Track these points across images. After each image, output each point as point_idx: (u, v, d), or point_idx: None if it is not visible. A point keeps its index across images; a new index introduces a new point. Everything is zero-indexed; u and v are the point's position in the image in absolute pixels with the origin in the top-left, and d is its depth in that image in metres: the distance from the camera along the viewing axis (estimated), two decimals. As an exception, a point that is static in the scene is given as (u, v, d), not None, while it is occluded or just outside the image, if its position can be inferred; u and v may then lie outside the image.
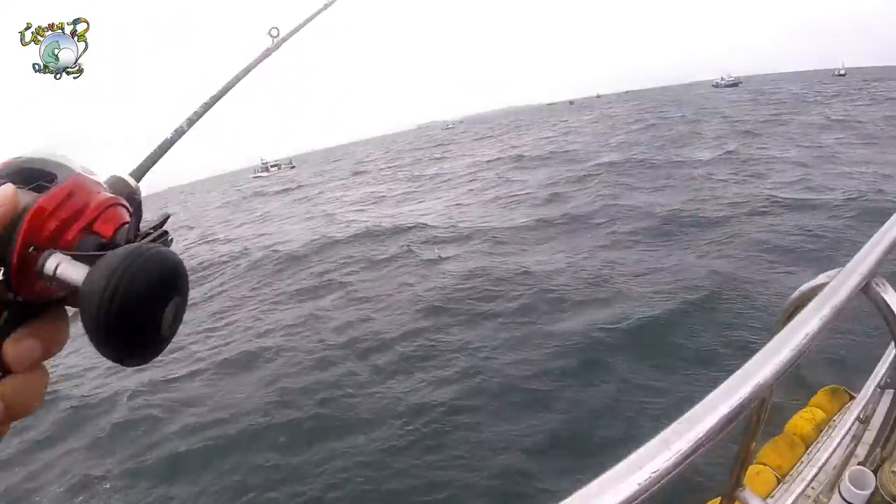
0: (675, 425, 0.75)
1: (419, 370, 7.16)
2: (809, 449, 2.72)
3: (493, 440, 5.55)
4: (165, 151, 1.05)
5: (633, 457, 0.71)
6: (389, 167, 43.70)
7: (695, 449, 0.73)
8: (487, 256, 11.06)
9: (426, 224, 15.54)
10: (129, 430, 7.35)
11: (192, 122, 1.17)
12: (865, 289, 1.11)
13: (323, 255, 14.41)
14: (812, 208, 11.14)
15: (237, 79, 1.39)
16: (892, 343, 1.21)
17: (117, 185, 0.85)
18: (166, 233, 0.74)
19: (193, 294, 13.59)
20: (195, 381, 8.55)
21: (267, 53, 1.50)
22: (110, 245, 0.64)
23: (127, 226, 0.68)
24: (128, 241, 0.65)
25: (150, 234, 0.72)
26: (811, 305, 0.99)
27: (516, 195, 17.94)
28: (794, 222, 10.29)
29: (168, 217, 0.78)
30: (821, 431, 2.82)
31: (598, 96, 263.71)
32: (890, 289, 1.14)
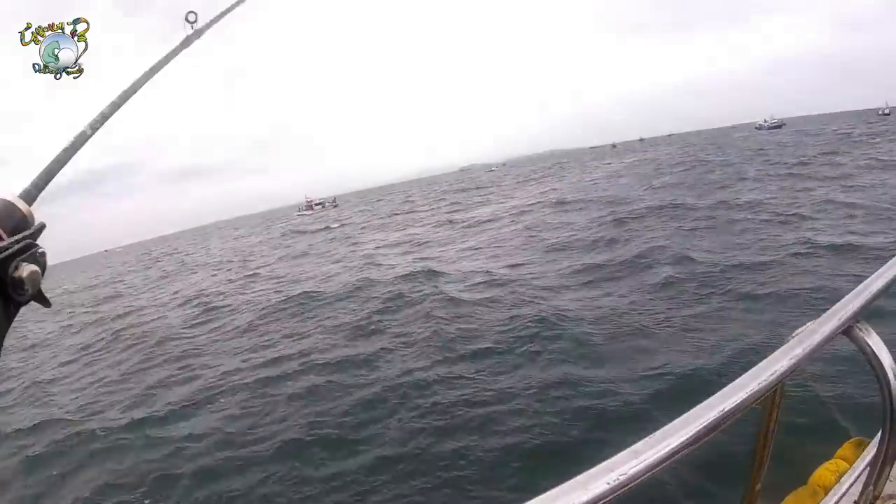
0: (646, 438, 0.82)
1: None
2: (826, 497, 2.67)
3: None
4: (64, 164, 0.97)
5: (606, 463, 0.77)
6: (430, 209, 43.84)
7: (661, 461, 0.79)
8: (529, 304, 10.64)
9: (458, 270, 15.29)
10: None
11: (96, 125, 1.07)
12: (847, 332, 1.18)
13: (358, 296, 14.22)
14: (854, 251, 10.73)
15: (152, 72, 1.28)
16: (877, 384, 1.21)
17: (4, 210, 0.78)
18: (33, 245, 0.68)
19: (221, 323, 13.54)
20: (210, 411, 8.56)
21: (186, 43, 1.42)
22: None
23: None
24: None
25: (8, 249, 0.65)
26: (787, 345, 1.06)
27: (556, 239, 17.65)
28: (836, 266, 9.89)
29: (43, 227, 0.72)
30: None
31: (641, 140, 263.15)
32: (873, 333, 1.20)
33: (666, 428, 0.84)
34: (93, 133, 1.05)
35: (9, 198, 0.79)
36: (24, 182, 0.86)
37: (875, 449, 1.34)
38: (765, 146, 44.70)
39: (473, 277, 13.61)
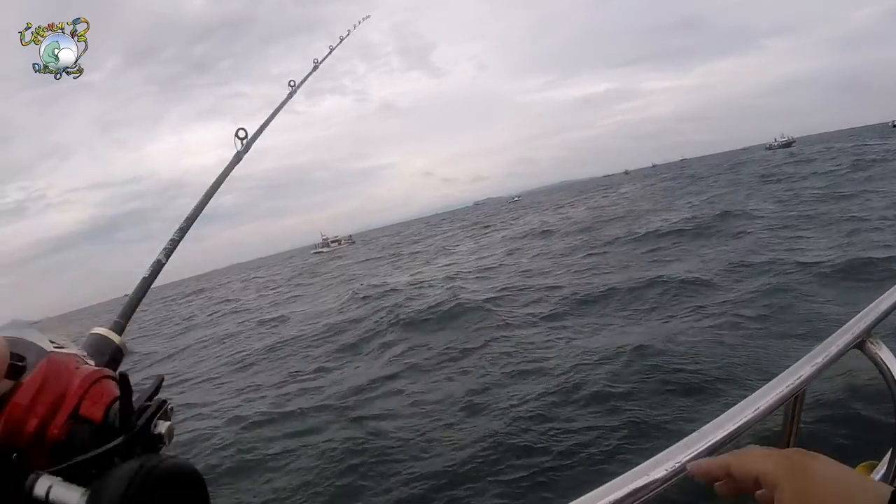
0: (695, 433, 0.93)
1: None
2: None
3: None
4: (145, 292, 1.07)
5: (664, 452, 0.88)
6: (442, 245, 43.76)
7: (709, 452, 0.89)
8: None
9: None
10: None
11: (168, 253, 1.17)
12: (860, 346, 1.25)
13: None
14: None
15: (212, 190, 1.41)
16: (889, 396, 1.26)
17: (98, 344, 0.82)
18: (164, 402, 0.67)
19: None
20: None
21: (238, 158, 1.57)
22: (103, 429, 0.59)
23: (117, 402, 0.62)
24: (123, 421, 0.60)
25: (147, 407, 0.64)
26: (808, 356, 1.14)
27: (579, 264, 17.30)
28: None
29: (162, 380, 0.72)
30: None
31: (654, 166, 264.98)
32: (884, 347, 1.26)
33: (707, 426, 0.94)
34: (167, 260, 1.15)
35: (101, 331, 0.84)
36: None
37: (885, 467, 1.37)
38: (777, 165, 43.87)
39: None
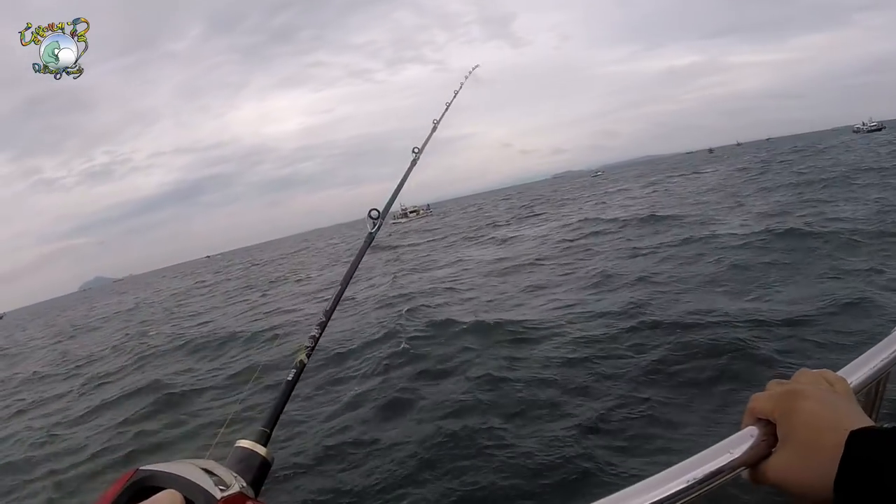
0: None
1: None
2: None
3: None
4: (288, 397, 1.03)
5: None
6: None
7: None
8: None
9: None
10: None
11: (315, 341, 1.14)
12: None
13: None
14: None
15: (350, 274, 1.42)
16: None
17: (245, 458, 0.81)
18: None
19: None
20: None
21: (370, 239, 1.61)
22: None
23: None
24: None
25: None
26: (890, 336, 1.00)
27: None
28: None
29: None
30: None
31: (738, 144, 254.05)
32: None
33: None
34: (308, 359, 1.11)
35: (246, 444, 0.83)
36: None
37: None
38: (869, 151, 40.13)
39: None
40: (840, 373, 0.86)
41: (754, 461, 0.74)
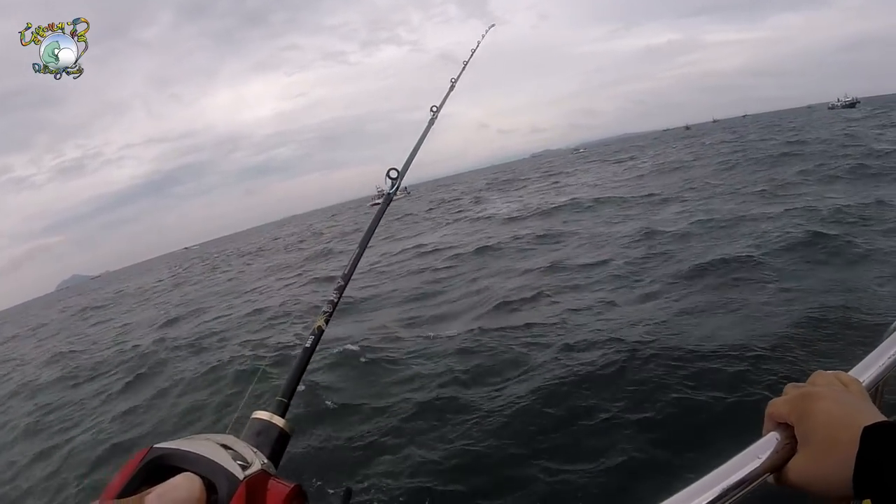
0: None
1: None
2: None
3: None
4: (307, 363, 0.99)
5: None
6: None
7: None
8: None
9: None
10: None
11: (329, 315, 1.09)
12: None
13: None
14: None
15: (367, 238, 1.39)
16: None
17: (262, 430, 0.78)
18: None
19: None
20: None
21: (389, 199, 1.61)
22: None
23: None
24: None
25: None
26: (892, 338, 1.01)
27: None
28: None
29: (350, 493, 0.73)
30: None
31: (715, 121, 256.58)
32: None
33: None
34: (326, 326, 1.07)
35: (263, 416, 0.80)
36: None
37: None
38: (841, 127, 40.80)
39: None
40: (851, 373, 0.89)
41: (779, 465, 0.76)
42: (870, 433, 0.66)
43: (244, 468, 0.56)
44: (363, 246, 1.30)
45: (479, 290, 12.34)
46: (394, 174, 1.59)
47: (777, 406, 0.80)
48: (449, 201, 48.65)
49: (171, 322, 19.66)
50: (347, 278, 1.19)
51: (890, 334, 1.04)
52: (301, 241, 48.93)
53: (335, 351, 9.50)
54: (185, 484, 0.49)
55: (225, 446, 0.59)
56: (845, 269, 8.77)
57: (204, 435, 0.60)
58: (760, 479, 0.76)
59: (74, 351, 19.93)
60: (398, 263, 18.77)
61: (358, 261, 1.26)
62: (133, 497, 0.45)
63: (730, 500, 0.73)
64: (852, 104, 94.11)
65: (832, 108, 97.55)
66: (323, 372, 8.68)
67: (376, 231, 1.43)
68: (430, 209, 43.54)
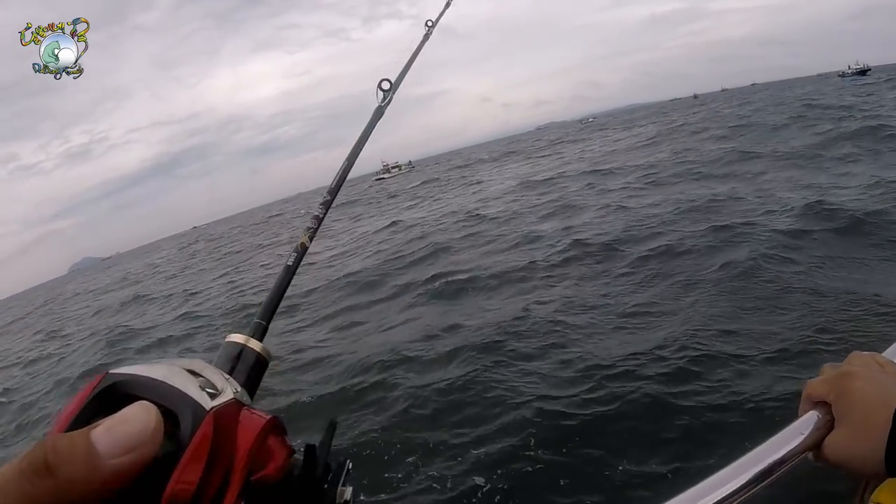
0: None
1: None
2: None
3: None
4: (289, 283, 0.90)
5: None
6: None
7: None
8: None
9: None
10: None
11: (313, 232, 1.00)
12: None
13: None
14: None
15: (355, 154, 1.24)
16: None
17: (236, 356, 0.70)
18: (345, 461, 0.58)
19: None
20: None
21: (380, 113, 1.40)
22: (283, 490, 0.51)
23: (292, 456, 0.52)
24: (303, 484, 0.52)
25: (328, 472, 0.56)
26: None
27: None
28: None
29: (335, 426, 0.62)
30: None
31: (724, 90, 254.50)
32: None
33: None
34: (311, 243, 0.98)
35: (238, 339, 0.71)
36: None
37: None
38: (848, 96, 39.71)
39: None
40: (886, 353, 0.90)
41: (818, 442, 0.78)
42: None
43: (213, 397, 0.48)
44: (351, 160, 1.21)
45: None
46: (386, 85, 1.45)
47: (815, 386, 0.83)
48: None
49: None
50: (334, 193, 1.11)
51: None
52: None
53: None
54: (139, 414, 0.41)
55: (192, 372, 0.51)
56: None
57: (169, 360, 0.52)
58: (801, 456, 0.78)
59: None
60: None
61: (345, 177, 1.17)
62: (79, 431, 0.38)
63: (773, 477, 0.75)
64: (863, 72, 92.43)
65: (843, 75, 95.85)
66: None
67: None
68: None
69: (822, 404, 0.80)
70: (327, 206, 1.05)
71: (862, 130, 18.40)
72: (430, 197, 34.25)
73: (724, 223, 10.71)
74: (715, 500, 0.71)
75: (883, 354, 0.88)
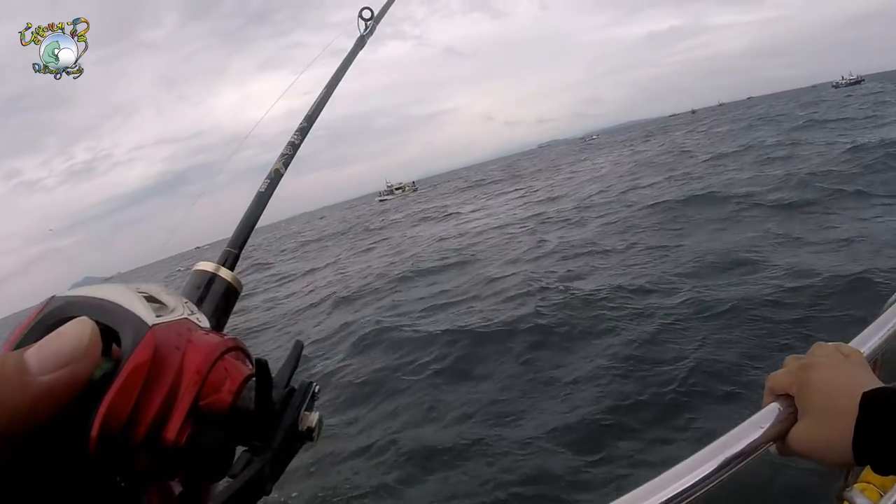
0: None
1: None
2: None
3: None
4: (261, 211, 0.85)
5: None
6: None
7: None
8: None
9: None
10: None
11: (288, 159, 0.96)
12: None
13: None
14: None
15: (335, 81, 1.20)
16: None
17: (204, 284, 0.66)
18: (310, 385, 0.53)
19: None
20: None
21: (362, 42, 1.34)
22: (237, 415, 0.46)
23: (250, 381, 0.47)
24: (258, 407, 0.46)
25: (291, 396, 0.51)
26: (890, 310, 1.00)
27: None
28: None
29: (302, 348, 0.56)
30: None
31: (721, 104, 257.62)
32: None
33: None
34: (285, 170, 0.93)
35: (207, 267, 0.67)
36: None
37: None
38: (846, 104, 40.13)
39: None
40: (851, 343, 0.89)
41: (781, 434, 0.77)
42: (869, 399, 0.67)
43: (159, 316, 0.44)
44: (330, 88, 1.17)
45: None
46: (367, 14, 1.38)
47: (777, 378, 0.82)
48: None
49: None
50: (311, 120, 1.07)
51: (890, 305, 1.04)
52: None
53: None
54: (72, 329, 0.37)
55: (147, 296, 0.47)
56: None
57: (127, 284, 0.48)
58: (763, 450, 0.77)
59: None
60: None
61: (322, 105, 1.12)
62: (13, 352, 0.36)
63: (731, 471, 0.73)
64: (857, 82, 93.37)
65: (836, 86, 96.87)
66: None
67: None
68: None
69: (786, 396, 0.79)
70: (304, 132, 1.02)
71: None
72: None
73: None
74: (672, 494, 0.70)
75: (849, 344, 0.88)
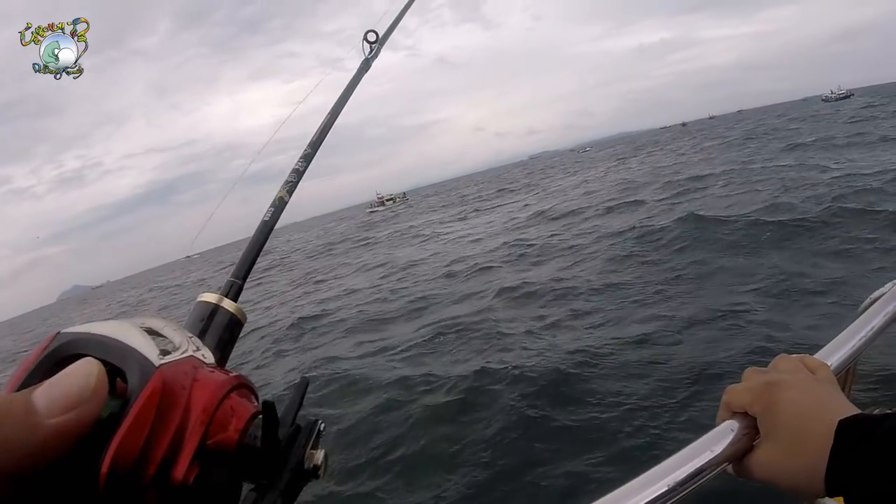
0: None
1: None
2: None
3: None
4: (265, 241, 0.85)
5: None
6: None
7: None
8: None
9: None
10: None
11: (292, 186, 0.94)
12: None
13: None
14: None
15: (339, 107, 1.17)
16: None
17: (208, 317, 0.66)
18: (316, 423, 0.53)
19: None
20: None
21: (367, 66, 1.32)
22: (244, 453, 0.46)
23: (257, 419, 0.48)
24: (265, 445, 0.46)
25: (297, 434, 0.51)
26: (861, 319, 0.96)
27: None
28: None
29: (307, 384, 0.56)
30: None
31: (711, 117, 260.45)
32: None
33: None
34: (290, 197, 0.92)
35: (210, 298, 0.67)
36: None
37: None
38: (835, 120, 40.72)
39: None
40: (818, 355, 0.84)
41: (737, 456, 0.72)
42: (846, 426, 0.62)
43: (166, 354, 0.45)
44: (334, 113, 1.14)
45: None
46: (372, 37, 1.35)
47: (737, 394, 0.75)
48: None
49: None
50: (316, 146, 1.05)
51: (860, 315, 0.98)
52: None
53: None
54: (80, 370, 0.38)
55: (150, 331, 0.47)
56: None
57: (131, 318, 0.48)
58: (716, 471, 0.71)
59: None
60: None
61: (327, 131, 1.10)
62: (20, 393, 0.36)
63: (680, 495, 0.67)
64: (847, 96, 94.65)
65: (826, 100, 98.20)
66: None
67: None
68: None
69: (744, 415, 0.73)
70: (308, 159, 1.01)
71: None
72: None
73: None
74: None
75: (814, 357, 0.81)
